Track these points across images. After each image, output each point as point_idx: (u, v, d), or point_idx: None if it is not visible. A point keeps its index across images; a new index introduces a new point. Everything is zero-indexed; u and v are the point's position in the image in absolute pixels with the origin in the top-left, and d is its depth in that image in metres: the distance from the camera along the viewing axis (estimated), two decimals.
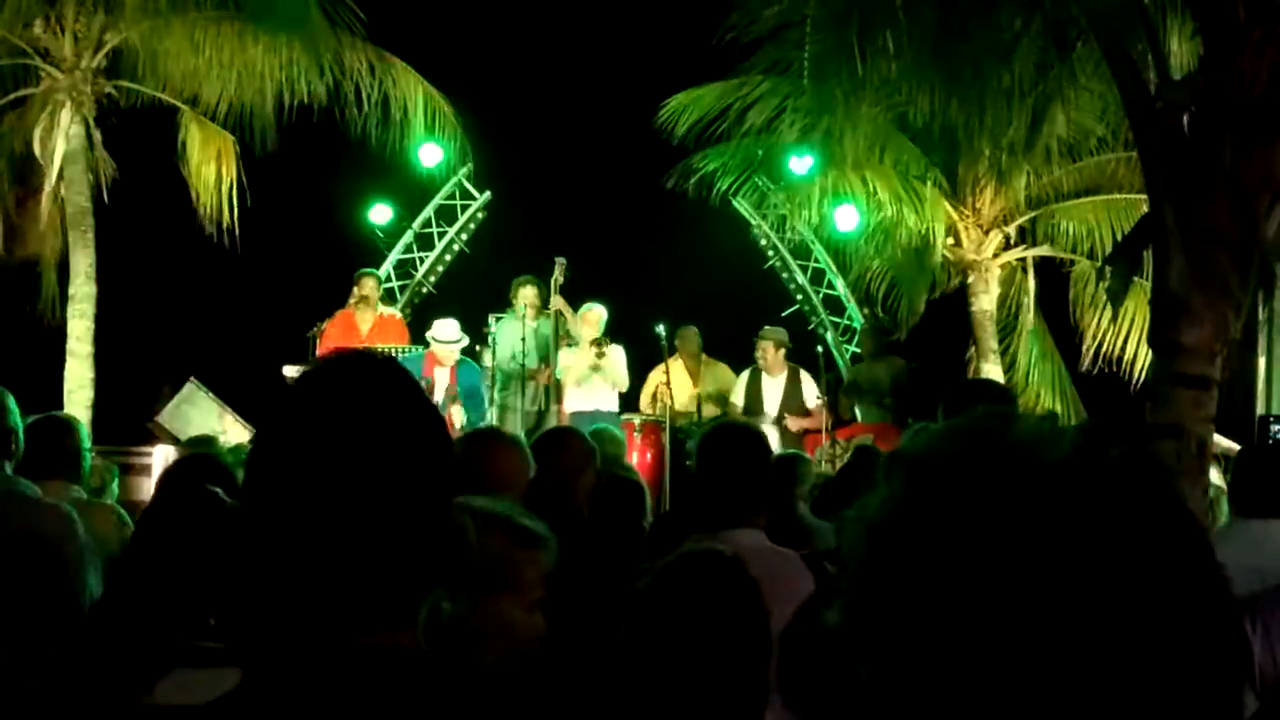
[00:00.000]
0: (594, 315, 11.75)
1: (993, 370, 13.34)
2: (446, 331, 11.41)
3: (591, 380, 11.61)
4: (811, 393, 11.91)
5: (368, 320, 11.99)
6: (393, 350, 11.01)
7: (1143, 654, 0.88)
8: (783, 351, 12.12)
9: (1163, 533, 0.91)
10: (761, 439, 4.12)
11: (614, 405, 11.72)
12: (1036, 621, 0.87)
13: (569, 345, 11.84)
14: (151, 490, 7.81)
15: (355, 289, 12.11)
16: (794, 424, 11.79)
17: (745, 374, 12.19)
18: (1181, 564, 0.91)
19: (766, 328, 12.51)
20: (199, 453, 5.88)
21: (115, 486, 7.29)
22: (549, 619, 2.55)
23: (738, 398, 12.09)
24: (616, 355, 11.70)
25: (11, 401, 4.73)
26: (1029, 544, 0.89)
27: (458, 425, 11.15)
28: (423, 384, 10.68)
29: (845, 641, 0.96)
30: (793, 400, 12.01)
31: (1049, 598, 0.88)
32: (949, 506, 0.92)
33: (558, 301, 11.75)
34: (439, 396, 11.21)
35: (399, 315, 13.03)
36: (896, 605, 0.92)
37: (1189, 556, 0.91)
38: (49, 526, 4.12)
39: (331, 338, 11.70)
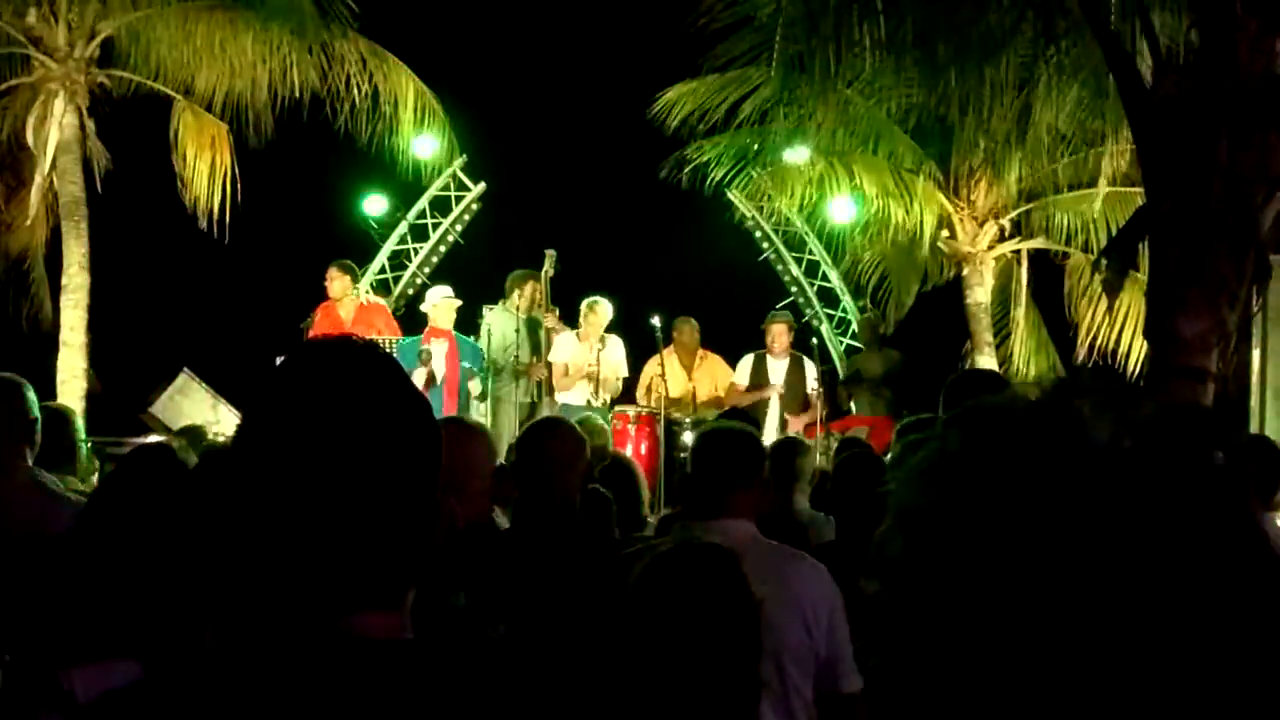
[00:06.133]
0: (601, 308, 11.69)
1: (987, 362, 13.34)
2: (437, 291, 11.92)
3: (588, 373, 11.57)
4: (811, 377, 11.88)
5: (349, 309, 11.91)
6: (386, 341, 10.97)
7: (1198, 627, 0.88)
8: (791, 335, 12.10)
9: (1218, 514, 0.91)
10: (755, 439, 4.10)
11: (604, 399, 11.69)
12: (1089, 574, 0.87)
13: (571, 331, 11.79)
14: None
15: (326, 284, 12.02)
16: (794, 424, 11.71)
17: (750, 357, 12.13)
18: (1232, 541, 0.91)
19: (776, 310, 12.52)
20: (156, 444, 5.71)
21: (95, 479, 7.19)
22: (538, 608, 2.52)
23: (741, 379, 12.05)
24: (614, 346, 11.69)
25: (31, 393, 4.56)
26: (1089, 495, 0.90)
27: (475, 394, 11.31)
28: (419, 371, 10.72)
29: (889, 604, 0.96)
30: (796, 382, 11.97)
31: (1105, 553, 0.88)
32: (1013, 453, 0.93)
33: (549, 318, 11.74)
34: (439, 369, 11.21)
35: (383, 301, 12.93)
36: (954, 550, 0.92)
37: (1239, 536, 0.91)
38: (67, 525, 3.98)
39: (319, 328, 11.65)
